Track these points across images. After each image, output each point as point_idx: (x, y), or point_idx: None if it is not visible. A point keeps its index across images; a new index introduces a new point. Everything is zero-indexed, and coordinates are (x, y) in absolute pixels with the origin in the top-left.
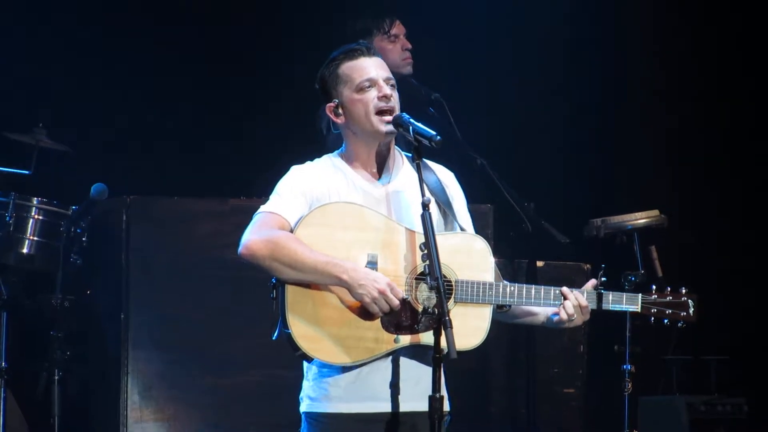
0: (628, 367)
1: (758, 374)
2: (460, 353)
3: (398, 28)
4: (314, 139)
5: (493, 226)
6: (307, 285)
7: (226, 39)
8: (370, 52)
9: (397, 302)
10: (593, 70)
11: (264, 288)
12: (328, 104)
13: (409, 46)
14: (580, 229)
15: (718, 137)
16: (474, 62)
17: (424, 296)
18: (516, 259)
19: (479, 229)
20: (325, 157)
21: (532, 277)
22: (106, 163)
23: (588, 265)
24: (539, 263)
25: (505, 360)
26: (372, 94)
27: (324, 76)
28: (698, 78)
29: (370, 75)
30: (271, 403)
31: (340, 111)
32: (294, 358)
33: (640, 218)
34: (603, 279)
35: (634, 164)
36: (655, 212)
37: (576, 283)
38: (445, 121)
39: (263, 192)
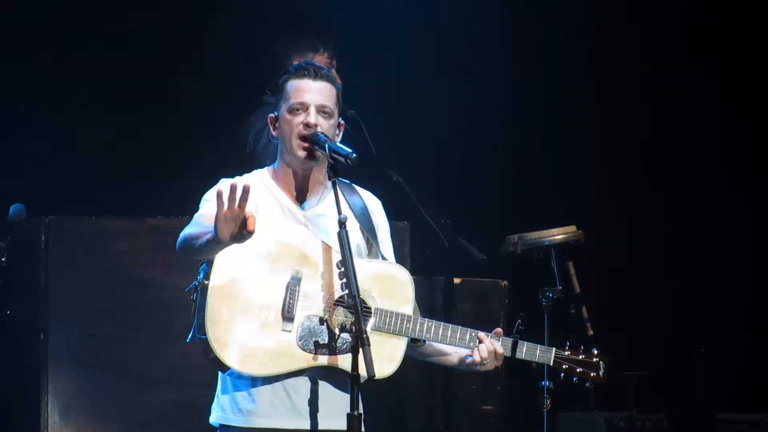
0: (546, 383)
1: (678, 389)
2: (373, 380)
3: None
4: (230, 156)
5: (410, 243)
6: (228, 290)
7: (142, 54)
8: (317, 75)
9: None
10: (517, 88)
11: (183, 307)
12: (270, 114)
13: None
14: (498, 245)
15: (639, 150)
16: (394, 83)
17: (340, 320)
18: (433, 276)
19: (396, 246)
20: (255, 171)
21: (449, 294)
22: (23, 183)
23: (505, 282)
24: (456, 280)
25: (423, 376)
26: (300, 119)
27: (277, 85)
28: (617, 90)
29: (304, 99)
30: (192, 420)
31: (277, 125)
32: (214, 377)
33: (557, 234)
34: (521, 328)
35: (554, 180)
36: (572, 228)
37: (492, 300)
38: (361, 138)
39: (180, 211)
